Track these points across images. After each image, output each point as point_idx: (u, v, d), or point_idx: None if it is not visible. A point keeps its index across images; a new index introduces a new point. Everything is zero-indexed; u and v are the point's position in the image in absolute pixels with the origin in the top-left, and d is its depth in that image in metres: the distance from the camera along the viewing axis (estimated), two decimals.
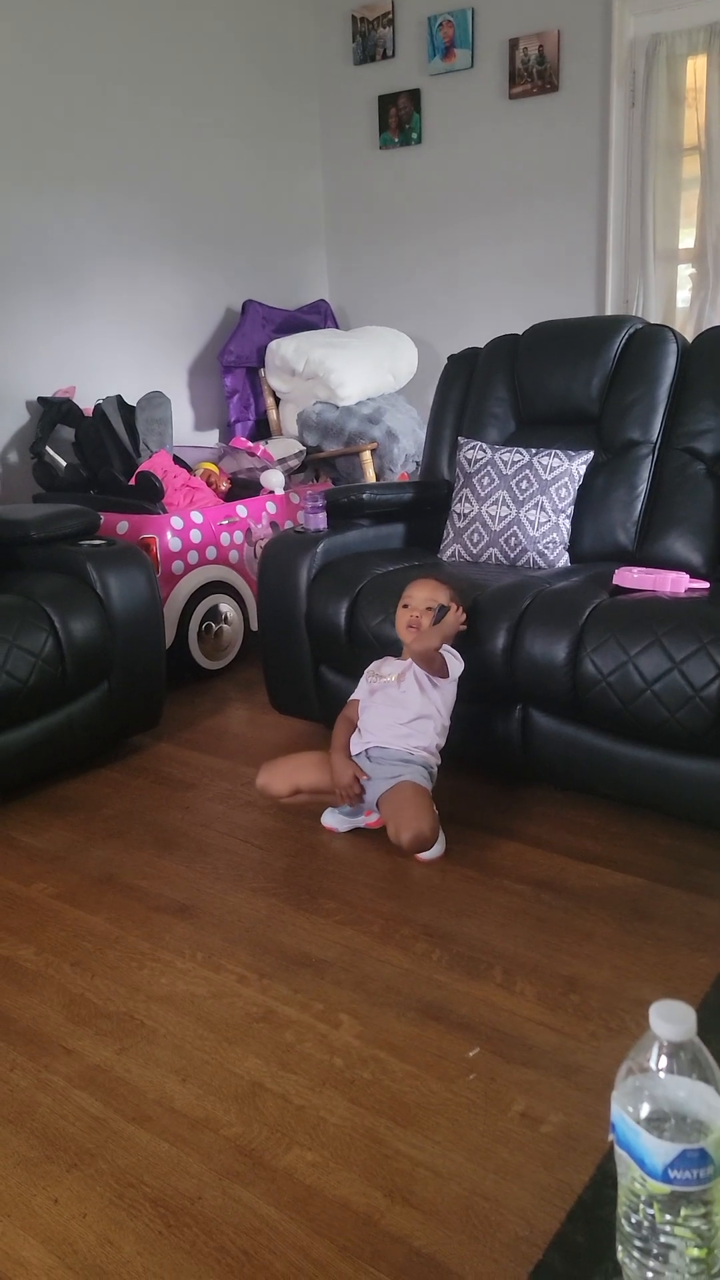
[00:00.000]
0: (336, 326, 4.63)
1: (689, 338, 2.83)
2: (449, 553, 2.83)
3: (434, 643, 2.17)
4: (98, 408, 3.47)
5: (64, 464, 3.49)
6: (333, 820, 2.30)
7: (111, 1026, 1.66)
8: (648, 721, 2.06)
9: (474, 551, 2.78)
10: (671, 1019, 0.65)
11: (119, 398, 3.55)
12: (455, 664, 2.22)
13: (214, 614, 3.33)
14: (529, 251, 4.19)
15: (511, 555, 2.72)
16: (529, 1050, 1.56)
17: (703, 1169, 0.64)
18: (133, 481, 3.30)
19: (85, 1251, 1.24)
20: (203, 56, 4.06)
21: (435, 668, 2.19)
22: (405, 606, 2.28)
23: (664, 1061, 0.66)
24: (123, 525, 3.19)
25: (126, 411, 3.54)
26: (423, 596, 2.26)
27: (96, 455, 3.46)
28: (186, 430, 4.23)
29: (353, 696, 2.34)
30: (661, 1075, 0.66)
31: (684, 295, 3.98)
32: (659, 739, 2.09)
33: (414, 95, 4.32)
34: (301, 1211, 1.28)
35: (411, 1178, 1.33)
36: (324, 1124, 1.43)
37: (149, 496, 3.24)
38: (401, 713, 2.19)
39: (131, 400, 3.59)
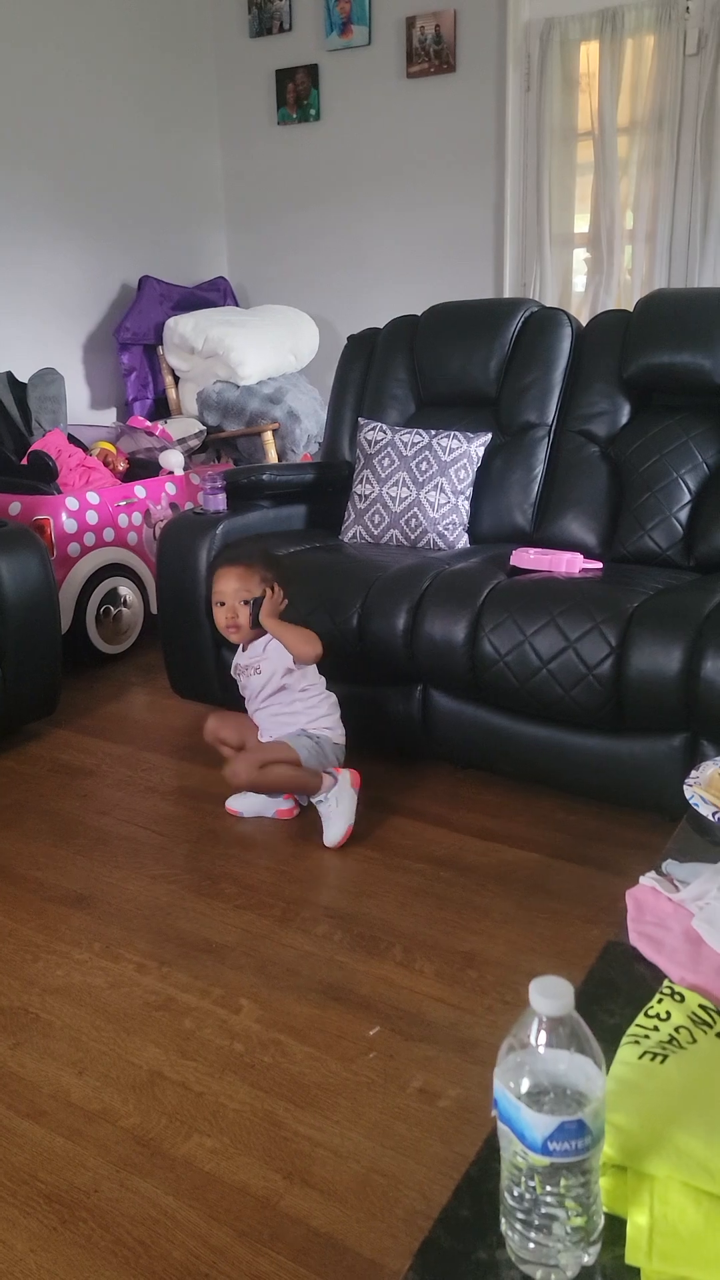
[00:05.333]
0: (236, 304, 4.56)
1: (584, 321, 2.87)
2: (350, 534, 2.83)
3: (267, 631, 2.18)
4: None
5: None
6: (238, 804, 2.28)
7: (5, 1021, 1.62)
8: (544, 700, 2.10)
9: (375, 533, 2.78)
10: (550, 994, 0.66)
11: (9, 374, 3.43)
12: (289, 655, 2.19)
13: (112, 597, 3.26)
14: (428, 232, 4.19)
15: (412, 536, 2.73)
16: (427, 1027, 1.58)
17: (580, 1140, 0.65)
18: (24, 461, 3.20)
19: None
20: (95, 22, 3.93)
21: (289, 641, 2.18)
22: (220, 604, 2.21)
23: (543, 1036, 0.67)
24: (15, 506, 3.09)
25: (17, 389, 3.43)
26: (233, 590, 2.18)
27: None
28: (82, 409, 4.12)
29: None
30: (541, 1050, 0.67)
31: (580, 280, 4.04)
32: (554, 717, 2.13)
33: (312, 71, 4.26)
34: (200, 1199, 1.28)
35: (311, 1159, 1.34)
36: (224, 1110, 1.42)
37: (42, 476, 3.14)
38: (272, 691, 2.21)
39: (23, 377, 3.48)
